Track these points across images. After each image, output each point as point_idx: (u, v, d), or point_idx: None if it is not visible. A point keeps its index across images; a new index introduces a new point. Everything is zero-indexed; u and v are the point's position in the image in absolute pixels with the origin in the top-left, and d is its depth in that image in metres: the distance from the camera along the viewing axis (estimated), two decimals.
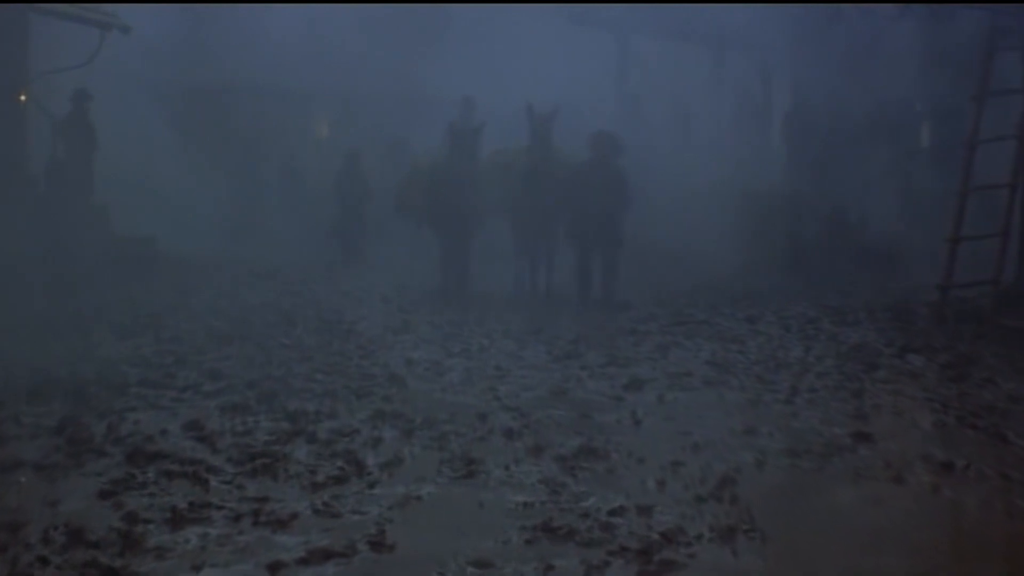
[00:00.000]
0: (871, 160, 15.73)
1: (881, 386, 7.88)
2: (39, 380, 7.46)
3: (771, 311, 11.35)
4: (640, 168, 13.41)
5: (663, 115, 20.11)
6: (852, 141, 15.92)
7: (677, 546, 4.55)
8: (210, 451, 5.82)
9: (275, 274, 14.87)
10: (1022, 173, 11.07)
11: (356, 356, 8.73)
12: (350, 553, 4.43)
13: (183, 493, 5.12)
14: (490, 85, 16.13)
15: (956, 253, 11.43)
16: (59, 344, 8.97)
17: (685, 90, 21.99)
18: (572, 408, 7.01)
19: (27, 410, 6.65)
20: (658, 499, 5.16)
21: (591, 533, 4.69)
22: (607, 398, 7.36)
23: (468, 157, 12.47)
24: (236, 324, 10.29)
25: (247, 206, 19.03)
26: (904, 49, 14.89)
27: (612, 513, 4.93)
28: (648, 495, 5.24)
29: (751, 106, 20.55)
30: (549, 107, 12.20)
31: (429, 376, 8.02)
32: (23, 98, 14.57)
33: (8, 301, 10.80)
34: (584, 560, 4.38)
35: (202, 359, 8.45)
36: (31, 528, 4.59)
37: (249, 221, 18.70)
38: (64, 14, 14.21)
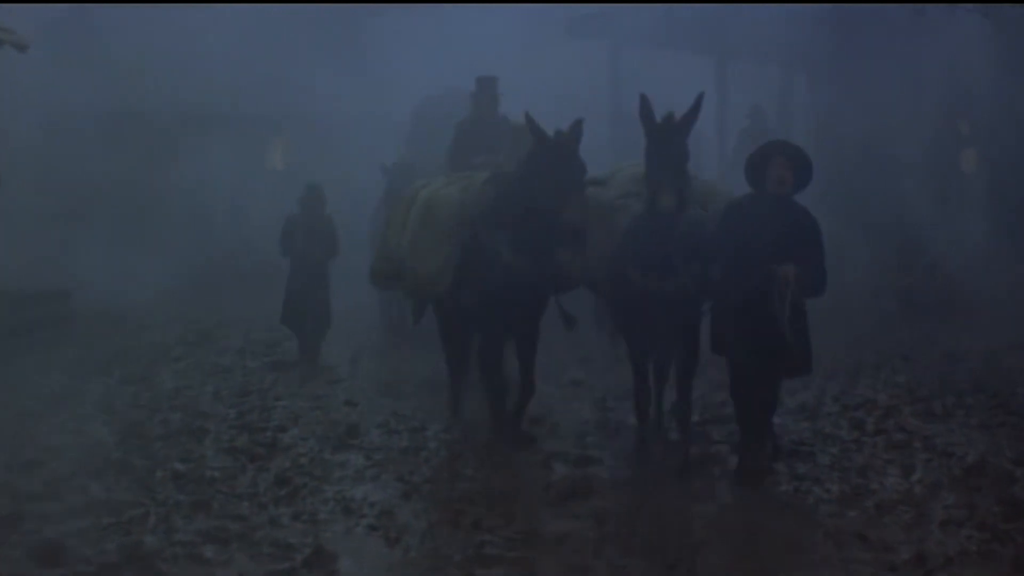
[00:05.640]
0: (919, 185, 13.29)
1: None
2: None
3: (828, 395, 8.68)
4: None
5: None
6: (894, 164, 13.53)
7: None
8: None
9: (210, 338, 12.24)
10: None
11: (271, 501, 6.06)
12: None
13: None
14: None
15: None
16: None
17: (685, 107, 19.57)
18: None
19: None
20: None
21: None
22: None
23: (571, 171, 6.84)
24: (126, 434, 7.62)
25: (189, 251, 16.29)
26: (962, 52, 12.44)
27: None
28: None
29: (762, 125, 18.09)
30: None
31: (373, 546, 5.38)
32: None
33: None
34: None
35: (41, 511, 5.78)
36: None
37: (191, 268, 15.97)
38: None
